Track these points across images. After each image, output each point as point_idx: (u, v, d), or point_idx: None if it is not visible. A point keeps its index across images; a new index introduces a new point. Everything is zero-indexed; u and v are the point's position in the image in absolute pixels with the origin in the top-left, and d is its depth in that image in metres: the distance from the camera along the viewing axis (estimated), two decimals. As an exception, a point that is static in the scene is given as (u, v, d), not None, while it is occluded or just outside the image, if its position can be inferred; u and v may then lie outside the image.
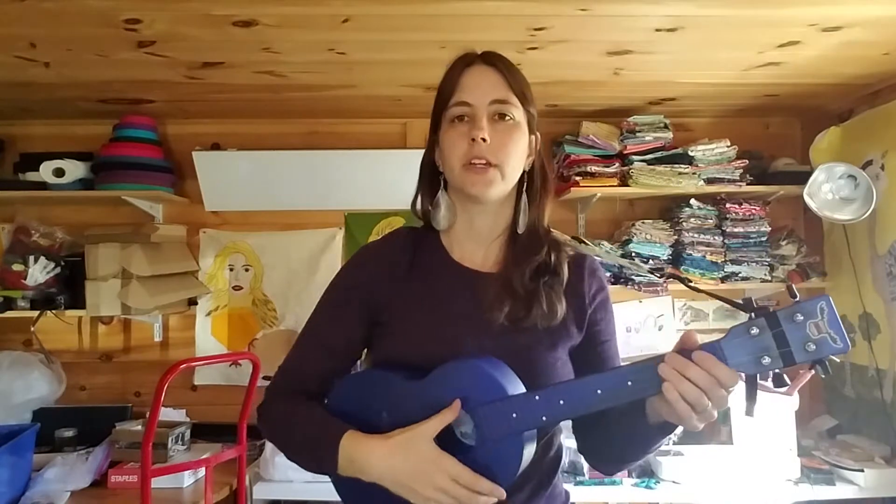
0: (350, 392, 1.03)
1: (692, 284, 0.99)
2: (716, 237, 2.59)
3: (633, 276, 2.55)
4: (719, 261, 2.58)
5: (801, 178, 2.45)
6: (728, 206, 2.60)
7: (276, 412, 1.05)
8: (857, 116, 2.53)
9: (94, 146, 2.63)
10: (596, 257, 1.14)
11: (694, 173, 2.55)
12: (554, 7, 1.71)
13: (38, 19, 1.74)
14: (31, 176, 2.57)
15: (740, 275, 2.61)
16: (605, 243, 2.59)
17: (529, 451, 0.93)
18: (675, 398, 0.84)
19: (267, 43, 1.94)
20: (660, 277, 1.05)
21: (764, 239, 2.62)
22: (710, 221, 2.61)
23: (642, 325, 2.86)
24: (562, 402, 0.89)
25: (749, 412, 0.86)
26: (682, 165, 2.55)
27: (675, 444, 2.36)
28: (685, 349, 0.87)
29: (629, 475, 2.30)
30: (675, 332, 2.81)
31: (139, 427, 2.41)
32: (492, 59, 1.05)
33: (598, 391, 0.88)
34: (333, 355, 1.06)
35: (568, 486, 2.23)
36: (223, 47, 1.97)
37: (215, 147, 2.79)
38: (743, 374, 0.85)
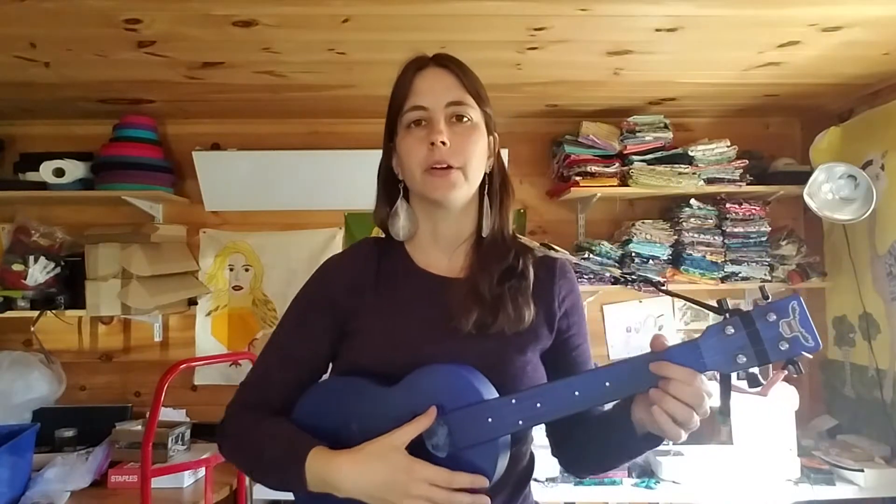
0: (316, 403, 1.00)
1: (664, 288, 0.99)
2: (716, 237, 2.59)
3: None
4: (719, 261, 2.58)
5: (801, 178, 2.45)
6: (728, 206, 2.60)
7: (239, 429, 1.01)
8: (857, 116, 2.53)
9: (94, 146, 2.63)
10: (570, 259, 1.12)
11: (694, 173, 2.55)
12: (554, 7, 1.71)
13: (38, 19, 1.74)
14: (31, 176, 2.57)
15: (740, 275, 2.60)
16: (605, 243, 2.59)
17: (504, 458, 0.91)
18: (664, 420, 0.85)
19: (267, 43, 1.94)
20: (626, 284, 1.07)
21: (764, 239, 2.62)
22: (710, 221, 2.61)
23: (642, 325, 2.86)
24: (539, 404, 0.88)
25: (724, 412, 0.87)
26: (682, 165, 2.55)
27: (674, 444, 2.36)
28: (657, 353, 0.87)
29: (629, 475, 2.30)
30: (675, 332, 2.81)
31: (139, 427, 2.41)
32: (444, 61, 1.03)
33: (576, 393, 0.88)
34: (299, 369, 1.03)
35: (568, 486, 2.25)
36: (223, 47, 1.97)
37: (215, 147, 2.79)
38: (717, 375, 0.87)
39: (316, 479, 0.90)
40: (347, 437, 0.94)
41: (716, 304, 0.88)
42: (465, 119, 1.00)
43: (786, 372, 0.85)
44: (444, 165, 0.97)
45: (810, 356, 0.83)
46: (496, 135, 1.07)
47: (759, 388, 0.87)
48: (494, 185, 1.07)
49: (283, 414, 1.00)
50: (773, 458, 2.26)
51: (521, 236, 1.09)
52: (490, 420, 0.88)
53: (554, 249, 1.07)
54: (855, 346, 2.55)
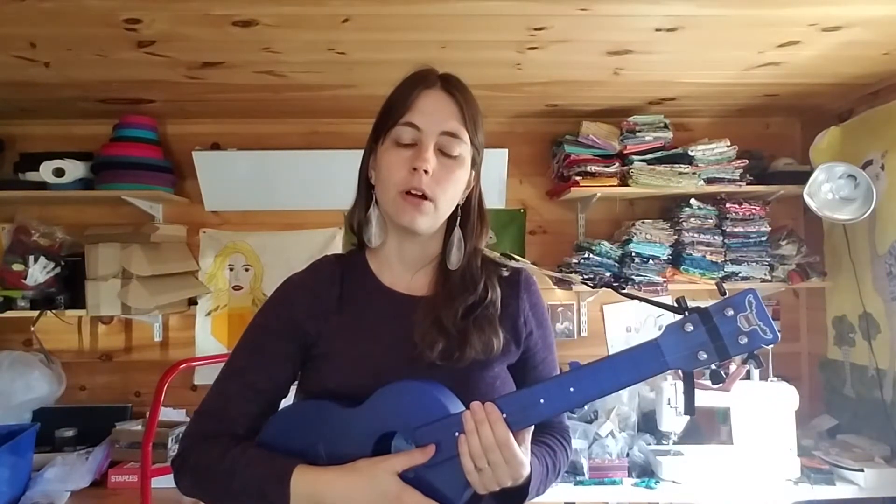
0: (282, 426, 0.97)
1: (625, 291, 1.00)
2: (716, 237, 2.59)
3: (632, 276, 2.55)
4: (719, 261, 2.58)
5: (801, 178, 2.45)
6: (728, 205, 2.60)
7: (203, 460, 0.96)
8: (857, 116, 2.53)
9: (94, 146, 2.63)
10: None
11: (694, 173, 2.55)
12: (554, 7, 1.71)
13: (38, 19, 1.74)
14: (31, 176, 2.56)
15: (740, 275, 2.61)
16: (605, 243, 2.59)
17: None
18: (463, 451, 0.86)
19: (267, 43, 1.94)
20: (594, 287, 1.10)
21: (764, 239, 2.62)
22: (710, 221, 2.61)
23: (642, 325, 2.87)
24: (505, 416, 0.88)
25: (688, 411, 0.88)
26: (682, 165, 2.55)
27: (674, 443, 2.36)
28: (615, 355, 0.88)
29: (629, 475, 2.30)
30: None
31: (139, 427, 2.41)
32: (451, 87, 1.01)
33: (542, 400, 0.88)
34: (260, 397, 0.99)
35: (568, 486, 2.25)
36: (223, 47, 1.97)
37: (215, 147, 2.79)
38: (680, 372, 0.88)
39: (302, 498, 0.88)
40: (314, 460, 0.93)
41: (674, 304, 0.89)
42: (453, 153, 0.99)
43: (747, 367, 0.86)
44: (420, 194, 0.96)
45: (769, 348, 0.83)
46: (479, 168, 1.07)
47: (721, 384, 0.87)
48: (471, 219, 1.06)
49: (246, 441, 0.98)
50: (773, 458, 2.26)
51: (484, 250, 1.07)
52: (457, 434, 0.88)
53: (515, 259, 1.05)
54: (855, 345, 2.55)
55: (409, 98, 0.99)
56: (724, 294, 0.86)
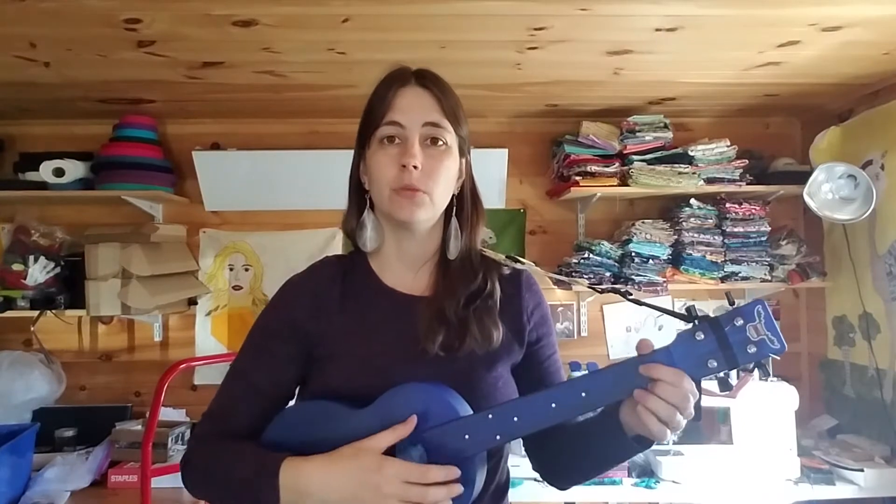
0: (286, 427, 0.97)
1: (632, 297, 1.00)
2: (716, 237, 2.59)
3: (632, 276, 2.55)
4: (719, 261, 2.58)
5: (801, 177, 2.45)
6: (728, 205, 2.60)
7: (202, 458, 0.98)
8: (857, 116, 2.53)
9: (94, 146, 2.63)
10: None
11: (694, 173, 2.55)
12: (554, 7, 1.71)
13: (38, 19, 1.74)
14: (31, 176, 2.56)
15: (740, 275, 2.60)
16: (605, 243, 2.59)
17: (481, 474, 0.91)
18: (650, 419, 0.86)
19: (267, 43, 1.94)
20: (601, 292, 1.10)
21: (764, 239, 2.62)
22: (710, 221, 2.61)
23: (642, 324, 2.86)
24: (516, 418, 0.88)
25: (696, 417, 0.89)
26: (682, 165, 2.55)
27: (674, 443, 2.36)
28: (643, 356, 0.88)
29: (629, 475, 2.30)
30: (674, 332, 2.80)
31: (139, 427, 2.41)
32: (425, 81, 1.03)
33: (553, 405, 0.88)
34: (263, 399, 1.00)
35: (568, 486, 2.24)
36: (223, 47, 1.97)
37: (215, 147, 2.79)
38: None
39: (289, 490, 0.87)
40: None
41: (685, 312, 0.90)
42: (439, 142, 1.00)
43: (754, 375, 0.88)
44: (413, 188, 0.97)
45: (777, 358, 0.85)
46: (469, 156, 1.07)
47: (729, 391, 0.89)
48: (465, 208, 1.06)
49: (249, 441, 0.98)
50: (773, 458, 2.26)
51: (485, 250, 1.08)
52: (467, 437, 0.88)
53: (519, 261, 1.06)
54: (855, 345, 2.55)
55: (386, 98, 1.01)
56: (733, 304, 0.88)
